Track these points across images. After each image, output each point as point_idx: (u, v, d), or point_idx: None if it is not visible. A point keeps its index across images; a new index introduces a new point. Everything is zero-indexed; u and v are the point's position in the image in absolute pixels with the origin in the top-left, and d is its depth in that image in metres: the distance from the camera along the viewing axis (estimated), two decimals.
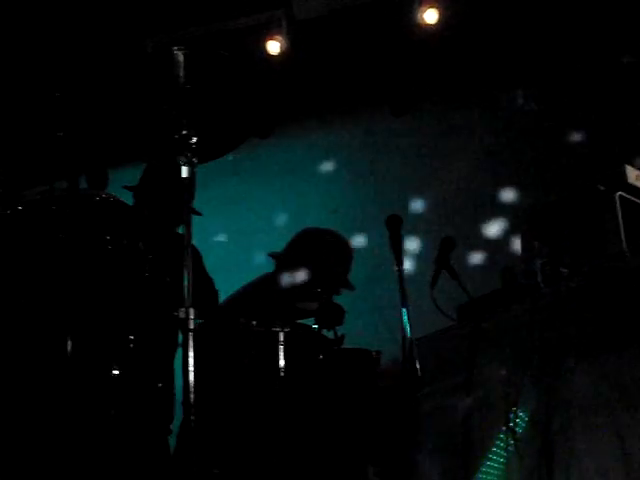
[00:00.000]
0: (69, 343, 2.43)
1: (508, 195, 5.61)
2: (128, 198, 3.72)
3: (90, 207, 2.78)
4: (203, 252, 3.98)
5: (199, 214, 3.46)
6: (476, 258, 5.36)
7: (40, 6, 4.79)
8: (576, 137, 5.45)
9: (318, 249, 4.33)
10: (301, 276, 4.21)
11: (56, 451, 2.47)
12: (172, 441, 3.20)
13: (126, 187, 3.87)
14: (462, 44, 5.61)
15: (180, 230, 2.93)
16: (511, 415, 2.79)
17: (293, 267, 4.25)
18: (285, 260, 4.32)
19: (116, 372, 2.60)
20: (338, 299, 3.98)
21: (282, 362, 3.20)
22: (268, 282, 4.29)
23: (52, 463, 2.48)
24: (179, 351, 2.97)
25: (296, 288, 4.18)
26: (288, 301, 4.17)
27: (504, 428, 2.80)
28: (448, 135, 5.99)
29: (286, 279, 4.26)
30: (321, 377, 3.35)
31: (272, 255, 4.39)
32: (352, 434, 3.40)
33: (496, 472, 2.83)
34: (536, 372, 2.80)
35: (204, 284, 3.97)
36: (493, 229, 5.53)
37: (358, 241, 5.58)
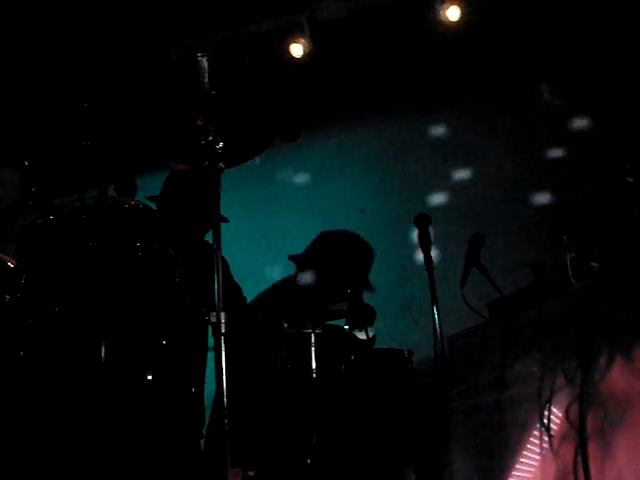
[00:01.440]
0: (103, 349, 2.46)
1: (536, 191, 5.58)
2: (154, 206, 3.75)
3: (120, 215, 2.80)
4: (230, 256, 4.00)
5: (226, 221, 3.49)
6: (506, 255, 5.33)
7: (67, 18, 4.84)
8: (604, 130, 5.41)
9: (337, 251, 4.34)
10: (328, 277, 4.22)
11: (91, 455, 2.49)
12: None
13: (149, 197, 3.90)
14: (485, 40, 5.59)
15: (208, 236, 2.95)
16: (545, 412, 2.77)
17: (312, 269, 4.26)
18: (304, 262, 4.33)
19: (150, 377, 2.63)
20: (368, 299, 3.99)
21: (314, 364, 3.21)
22: (293, 284, 4.31)
23: (87, 467, 2.50)
24: (209, 355, 3.00)
25: (325, 289, 4.19)
26: (318, 302, 4.18)
27: (538, 425, 2.78)
28: (474, 132, 5.97)
29: (314, 280, 4.27)
30: (353, 378, 3.36)
31: (292, 258, 4.40)
32: (385, 434, 3.41)
33: (531, 470, 2.81)
34: (569, 368, 2.78)
35: (232, 292, 3.99)
36: (522, 225, 5.50)
37: (387, 241, 5.57)
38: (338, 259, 4.33)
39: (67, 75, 4.78)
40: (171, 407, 2.70)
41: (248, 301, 4.19)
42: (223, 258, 3.73)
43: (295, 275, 4.37)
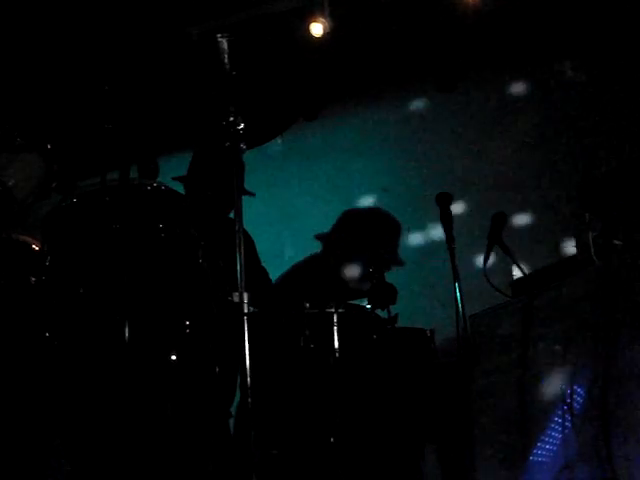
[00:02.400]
0: (127, 330, 2.48)
1: (558, 170, 5.54)
2: (179, 187, 3.77)
3: (142, 196, 2.82)
4: (252, 236, 4.00)
5: (252, 194, 3.50)
6: (528, 233, 5.30)
7: (88, 1, 4.85)
8: (626, 107, 5.35)
9: (365, 228, 4.34)
10: (352, 256, 4.23)
11: (116, 435, 2.53)
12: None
13: (175, 178, 3.92)
14: (507, 17, 5.53)
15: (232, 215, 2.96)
16: (567, 391, 2.77)
17: (340, 248, 4.26)
18: (332, 241, 4.34)
19: (174, 357, 2.65)
20: (390, 278, 3.99)
21: (336, 343, 3.23)
22: (317, 263, 4.31)
23: (112, 446, 2.54)
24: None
25: (348, 269, 4.20)
26: (341, 282, 4.19)
27: (561, 404, 2.79)
28: (496, 109, 5.93)
29: (337, 260, 4.28)
30: (376, 357, 3.37)
31: (319, 237, 4.40)
32: (408, 413, 3.42)
33: (554, 448, 2.82)
34: (591, 346, 2.77)
35: (258, 273, 4.01)
36: (545, 204, 5.47)
37: (409, 219, 5.56)
38: (365, 235, 4.33)
39: (88, 58, 4.79)
40: (195, 387, 2.72)
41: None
42: (248, 236, 3.76)
43: (323, 255, 4.37)
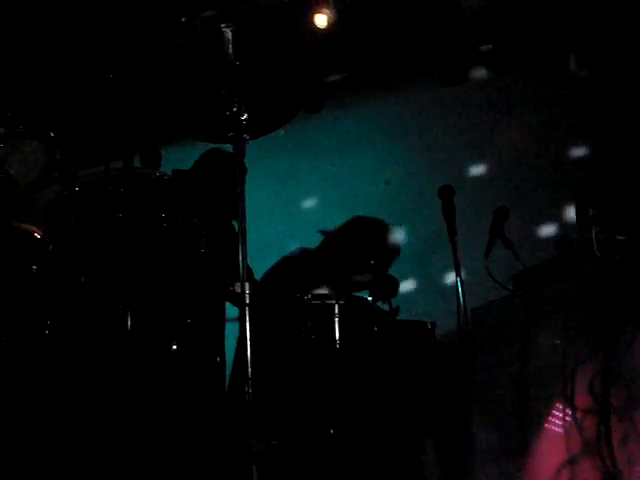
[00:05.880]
0: (129, 319, 2.48)
1: (562, 163, 5.53)
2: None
3: (145, 185, 2.82)
4: (254, 228, 3.99)
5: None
6: (530, 227, 5.30)
7: None
8: (631, 102, 5.34)
9: (367, 233, 4.32)
10: (354, 250, 4.22)
11: (118, 425, 2.53)
12: None
13: (176, 171, 3.91)
14: (511, 10, 5.51)
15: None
16: (568, 386, 2.77)
17: (342, 244, 4.25)
18: (335, 238, 4.32)
19: (174, 347, 2.65)
20: (392, 271, 3.99)
21: (337, 334, 3.23)
22: (314, 256, 4.30)
23: (113, 436, 2.54)
24: (228, 326, 3.02)
25: (350, 260, 4.20)
26: (342, 273, 4.19)
27: (561, 399, 2.78)
28: (500, 104, 5.91)
29: (339, 252, 4.28)
30: (376, 349, 3.37)
31: (323, 232, 4.39)
32: (408, 405, 3.42)
33: (554, 443, 2.82)
34: (593, 342, 2.77)
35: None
36: (547, 198, 5.46)
37: (411, 212, 5.56)
38: (367, 241, 4.32)
39: (92, 46, 4.78)
40: (195, 377, 2.73)
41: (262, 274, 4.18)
42: (232, 225, 3.74)
43: (321, 248, 4.36)
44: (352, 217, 4.48)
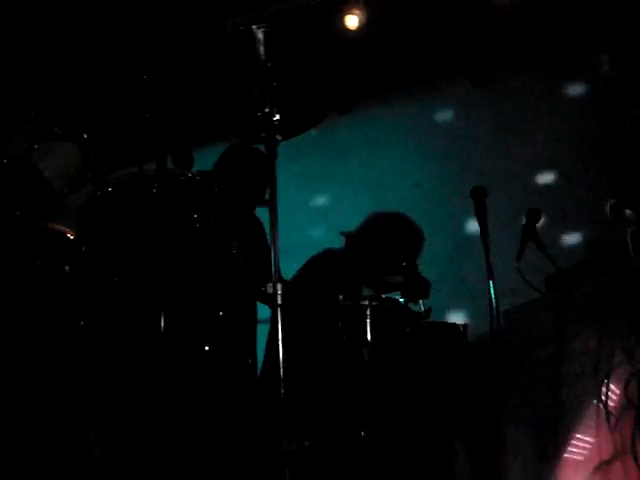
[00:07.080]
0: (162, 320, 2.49)
1: (594, 164, 5.48)
2: None
3: (177, 186, 2.83)
4: (283, 229, 3.99)
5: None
6: (563, 230, 5.26)
7: None
8: None
9: (387, 233, 4.28)
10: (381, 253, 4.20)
11: (149, 425, 2.54)
12: None
13: (201, 172, 3.92)
14: (542, 12, 5.48)
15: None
16: (603, 388, 2.74)
17: (363, 247, 4.23)
18: (356, 240, 4.30)
19: (207, 348, 2.66)
20: (424, 272, 3.97)
21: (369, 335, 3.22)
22: (342, 257, 4.27)
23: (145, 436, 2.55)
24: (259, 327, 3.02)
25: (381, 262, 4.18)
26: (374, 275, 4.17)
27: (595, 402, 2.76)
28: (531, 104, 5.88)
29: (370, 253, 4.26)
30: (408, 351, 3.36)
31: (344, 234, 4.37)
32: (440, 408, 3.40)
33: (587, 446, 2.79)
34: (627, 343, 2.74)
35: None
36: (579, 200, 5.41)
37: (443, 214, 5.54)
38: (388, 241, 4.29)
39: (126, 48, 4.82)
40: (228, 378, 2.73)
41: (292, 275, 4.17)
42: (259, 222, 3.74)
43: (345, 250, 4.34)
44: (381, 217, 4.44)
